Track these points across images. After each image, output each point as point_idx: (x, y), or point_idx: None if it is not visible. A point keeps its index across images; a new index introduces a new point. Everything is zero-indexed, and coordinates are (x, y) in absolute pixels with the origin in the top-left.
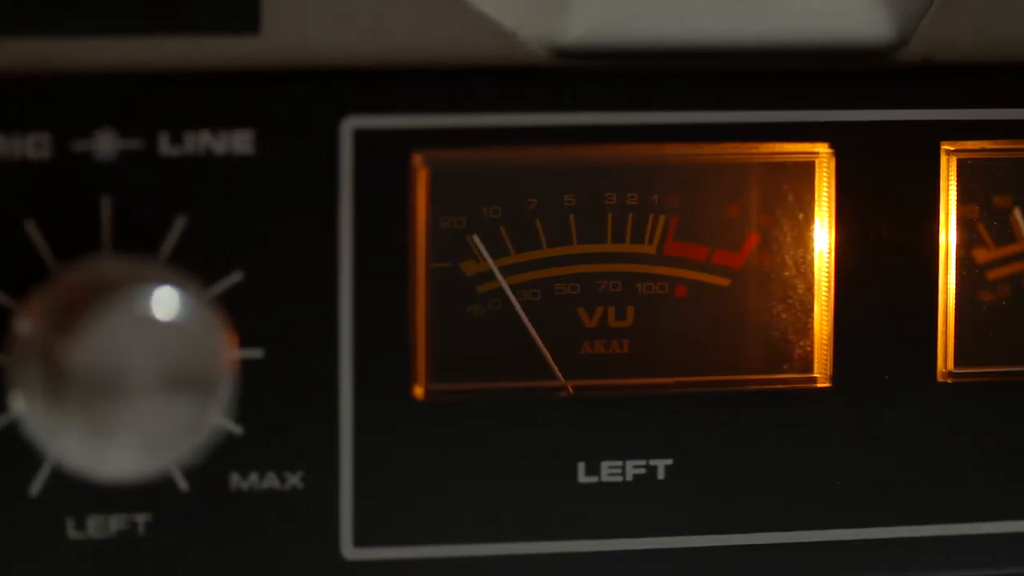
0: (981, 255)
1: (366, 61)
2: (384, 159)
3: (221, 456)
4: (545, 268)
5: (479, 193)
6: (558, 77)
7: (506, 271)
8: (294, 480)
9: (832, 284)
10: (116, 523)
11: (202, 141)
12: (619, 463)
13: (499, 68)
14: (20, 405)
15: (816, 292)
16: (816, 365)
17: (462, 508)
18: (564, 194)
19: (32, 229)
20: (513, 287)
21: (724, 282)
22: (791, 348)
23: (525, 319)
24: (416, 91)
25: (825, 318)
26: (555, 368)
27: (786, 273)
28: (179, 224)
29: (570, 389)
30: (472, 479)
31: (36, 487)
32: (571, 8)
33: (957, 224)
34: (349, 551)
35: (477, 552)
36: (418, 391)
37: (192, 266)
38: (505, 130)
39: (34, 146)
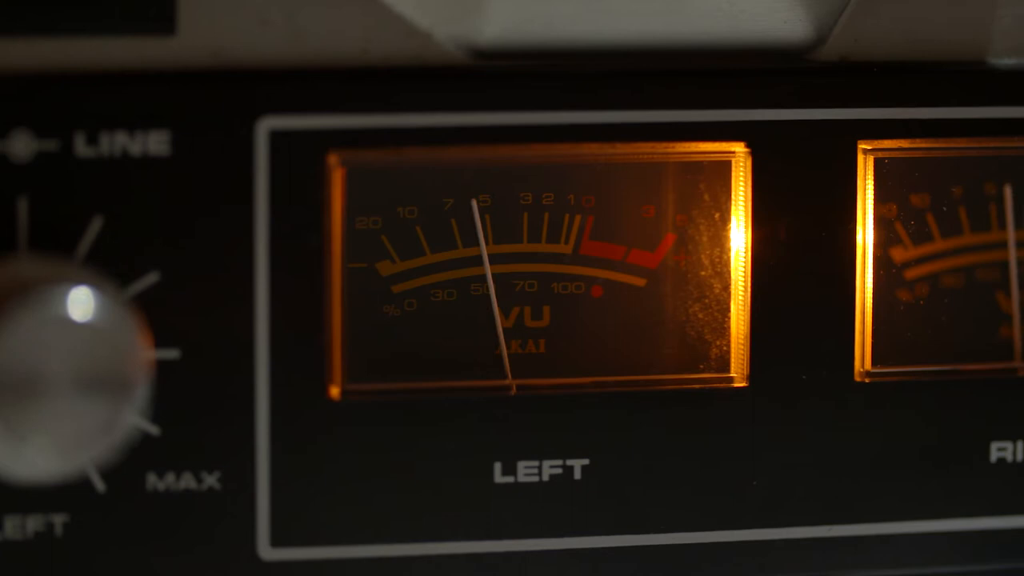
0: (899, 254)
1: (282, 62)
2: (300, 159)
3: (138, 457)
4: (460, 268)
5: (394, 193)
6: (473, 77)
7: (421, 271)
8: (211, 481)
9: (749, 284)
10: (33, 524)
11: (118, 142)
12: (535, 463)
13: (415, 68)
14: None
15: (733, 292)
16: (733, 365)
17: (378, 508)
18: (480, 194)
19: None
20: (428, 287)
21: (640, 282)
22: (708, 348)
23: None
24: (331, 92)
25: (742, 318)
26: (477, 368)
27: (702, 273)
28: (95, 225)
29: (495, 389)
30: (388, 479)
31: None
32: (487, 8)
33: (874, 223)
34: (266, 551)
35: (394, 552)
36: (334, 391)
37: (108, 267)
38: (421, 130)
39: None
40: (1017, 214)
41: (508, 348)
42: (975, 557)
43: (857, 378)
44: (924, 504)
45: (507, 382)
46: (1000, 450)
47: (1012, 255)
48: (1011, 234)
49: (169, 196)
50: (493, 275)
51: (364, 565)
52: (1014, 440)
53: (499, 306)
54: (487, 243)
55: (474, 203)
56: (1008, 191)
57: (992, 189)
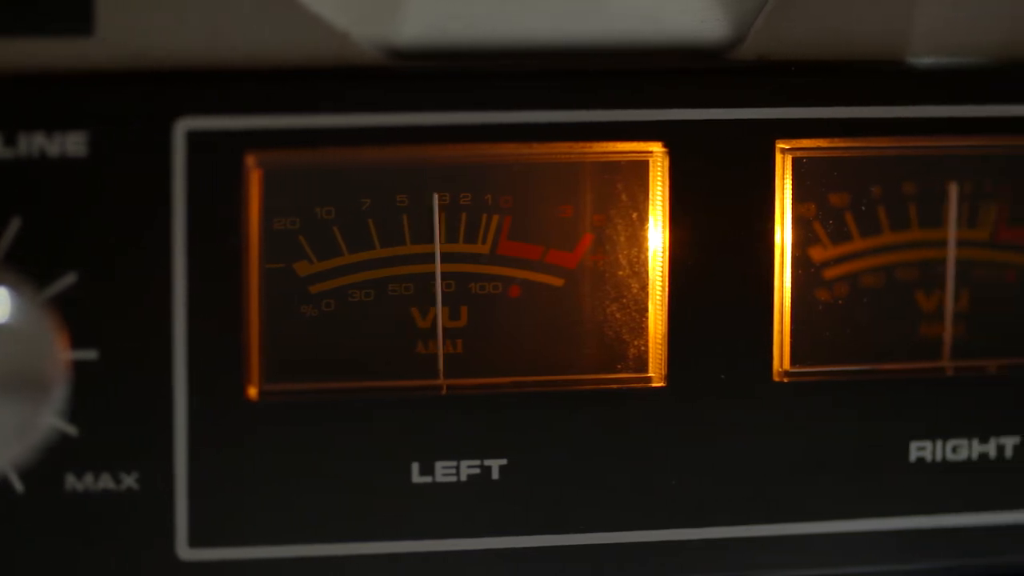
0: (817, 254)
1: (199, 63)
2: (217, 160)
3: (56, 457)
4: (378, 268)
5: (312, 194)
6: (391, 77)
7: (339, 272)
8: (129, 481)
9: (666, 283)
10: None
11: (36, 143)
12: (453, 463)
13: (332, 69)
14: None
15: (650, 291)
16: (651, 365)
17: (296, 509)
18: (397, 194)
19: None
20: (346, 287)
21: (558, 282)
22: (626, 348)
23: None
24: (249, 92)
25: (659, 317)
26: (394, 368)
27: (620, 273)
28: (13, 226)
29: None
30: (306, 479)
31: None
32: (404, 9)
33: (793, 223)
34: (184, 551)
35: (312, 552)
36: (252, 392)
37: (26, 268)
38: (338, 131)
39: None
40: (931, 213)
41: (426, 348)
42: (894, 556)
43: (775, 378)
44: (843, 504)
45: (425, 382)
46: (919, 449)
47: (951, 254)
48: (952, 233)
49: (87, 197)
50: (413, 275)
51: (282, 565)
52: (933, 439)
53: (417, 307)
54: (407, 243)
55: (434, 199)
56: (953, 188)
57: (911, 188)
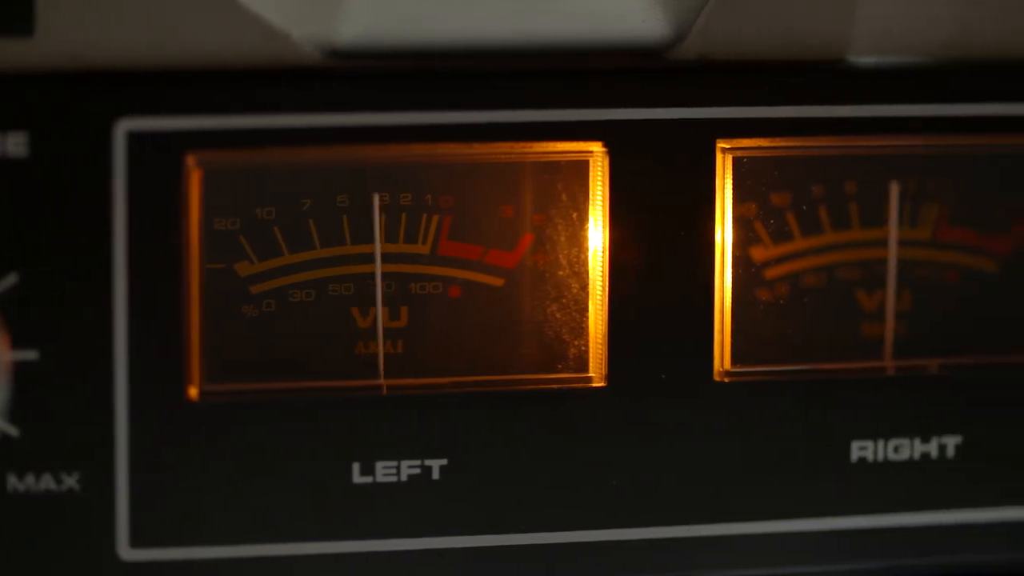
0: (758, 253)
1: (140, 64)
2: (157, 161)
3: None
4: (318, 268)
5: (253, 194)
6: (331, 78)
7: (280, 272)
8: (71, 481)
9: (607, 283)
10: None
11: None
12: (394, 463)
13: (272, 69)
14: None
15: (591, 291)
16: (591, 365)
17: (238, 509)
18: (337, 194)
19: None
20: (287, 288)
21: (498, 282)
22: (566, 348)
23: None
24: (189, 93)
25: (600, 317)
26: (335, 368)
27: (560, 272)
28: None
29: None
30: (247, 480)
31: None
32: (344, 9)
33: (734, 222)
34: (126, 552)
35: (253, 553)
36: (192, 392)
37: None
38: (279, 131)
39: None
40: (872, 213)
41: (366, 348)
42: (836, 557)
43: (716, 378)
44: (785, 504)
45: (367, 382)
46: (861, 449)
47: (892, 254)
48: (893, 233)
49: (27, 197)
50: (353, 275)
51: (223, 565)
52: (874, 439)
53: (358, 307)
54: (347, 243)
55: (374, 199)
56: (895, 188)
57: (852, 188)
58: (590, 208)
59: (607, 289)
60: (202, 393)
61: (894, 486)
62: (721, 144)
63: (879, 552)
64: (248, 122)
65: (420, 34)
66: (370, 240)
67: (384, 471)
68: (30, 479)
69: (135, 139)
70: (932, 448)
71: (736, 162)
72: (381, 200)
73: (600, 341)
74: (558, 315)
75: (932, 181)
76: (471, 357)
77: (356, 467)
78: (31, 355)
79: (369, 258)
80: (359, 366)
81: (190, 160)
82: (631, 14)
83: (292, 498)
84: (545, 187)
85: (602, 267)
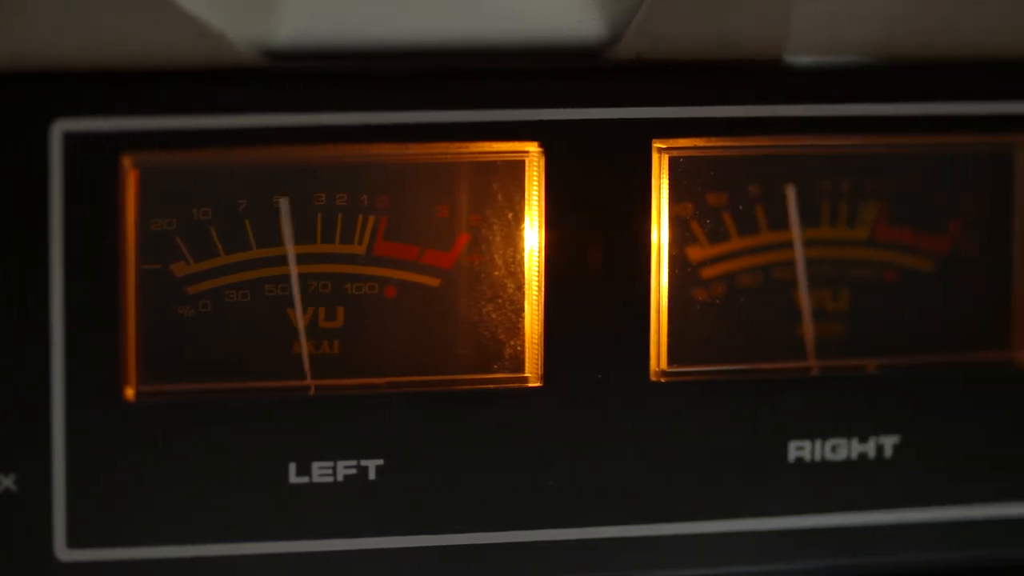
0: (695, 253)
1: (76, 64)
2: (93, 161)
3: None
4: (255, 269)
5: (189, 194)
6: (267, 78)
7: (216, 272)
8: (7, 482)
9: (543, 283)
10: None
11: None
12: (330, 464)
13: (208, 70)
14: None
15: (526, 291)
16: (527, 365)
17: (175, 509)
18: (273, 194)
19: None
20: (223, 288)
21: (434, 282)
22: (502, 348)
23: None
24: (125, 94)
25: (536, 317)
26: (271, 368)
27: (496, 273)
28: None
29: (287, 389)
30: (184, 480)
31: None
32: (280, 9)
33: (670, 222)
34: (63, 552)
35: (191, 553)
36: (129, 392)
37: None
38: (215, 131)
39: None
40: (809, 213)
41: (302, 349)
42: (774, 557)
43: (652, 378)
44: (722, 504)
45: (302, 383)
46: (798, 449)
47: (799, 255)
48: (797, 234)
49: None
50: (289, 276)
51: (161, 566)
52: (812, 439)
53: (292, 307)
54: (286, 243)
55: (285, 202)
56: (791, 190)
57: (789, 188)
58: (526, 208)
59: (543, 289)
60: (138, 394)
61: (832, 486)
62: (657, 144)
63: (817, 552)
64: (184, 123)
65: (356, 34)
66: (306, 240)
67: (320, 471)
68: None
69: (71, 140)
70: (870, 448)
71: (672, 162)
72: (317, 200)
73: (536, 341)
74: (494, 315)
75: (870, 181)
76: (407, 357)
77: (292, 467)
78: None
79: (305, 258)
80: (295, 366)
81: (126, 161)
82: (567, 14)
83: (229, 498)
84: (481, 187)
85: (538, 267)
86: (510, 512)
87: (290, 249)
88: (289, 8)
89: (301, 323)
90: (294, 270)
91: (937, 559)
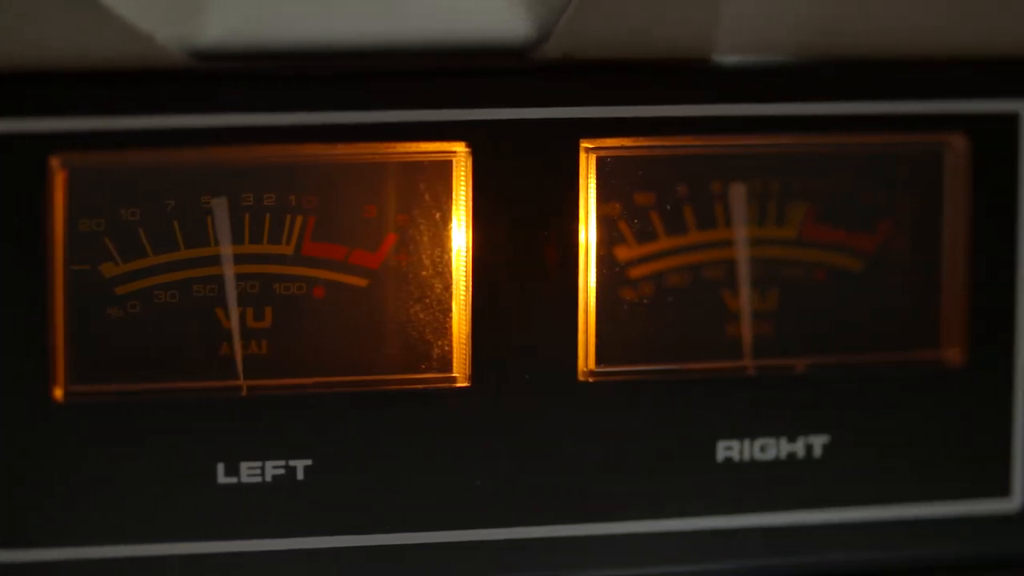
0: (623, 253)
1: (2, 65)
2: (21, 162)
3: None
4: (183, 269)
5: (117, 195)
6: (195, 79)
7: (144, 273)
8: None
9: (470, 284)
10: None
11: None
12: (258, 464)
13: (136, 70)
14: None
15: (454, 292)
16: (455, 365)
17: (103, 510)
18: (202, 195)
19: None
20: (152, 288)
21: (362, 282)
22: (429, 348)
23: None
24: (53, 94)
25: (463, 318)
26: (200, 368)
27: (424, 273)
28: None
29: (216, 389)
30: (112, 480)
31: None
32: (208, 10)
33: (598, 222)
34: None
35: (120, 554)
36: (58, 393)
37: None
38: (143, 132)
39: None
40: (743, 212)
41: (231, 349)
42: (703, 556)
43: (580, 377)
44: (651, 503)
45: (230, 383)
46: (727, 449)
47: (743, 254)
48: (741, 233)
49: None
50: (217, 276)
51: (89, 566)
52: (740, 439)
53: (221, 308)
54: (214, 244)
55: (220, 203)
56: (736, 189)
57: (718, 187)
58: (453, 208)
59: (471, 289)
60: (67, 394)
61: (760, 486)
62: (585, 144)
63: (746, 552)
64: (112, 123)
65: (283, 35)
66: (236, 241)
67: (249, 472)
68: None
69: None
70: (799, 448)
71: (600, 162)
72: (244, 201)
73: (464, 341)
74: (421, 315)
75: (798, 180)
76: (335, 357)
77: (221, 468)
78: None
79: (234, 259)
80: (224, 367)
81: (54, 162)
82: (495, 14)
83: (158, 499)
84: (408, 187)
85: (465, 267)
86: (438, 512)
87: (225, 249)
88: (217, 9)
89: (236, 323)
90: (229, 270)
91: (866, 558)
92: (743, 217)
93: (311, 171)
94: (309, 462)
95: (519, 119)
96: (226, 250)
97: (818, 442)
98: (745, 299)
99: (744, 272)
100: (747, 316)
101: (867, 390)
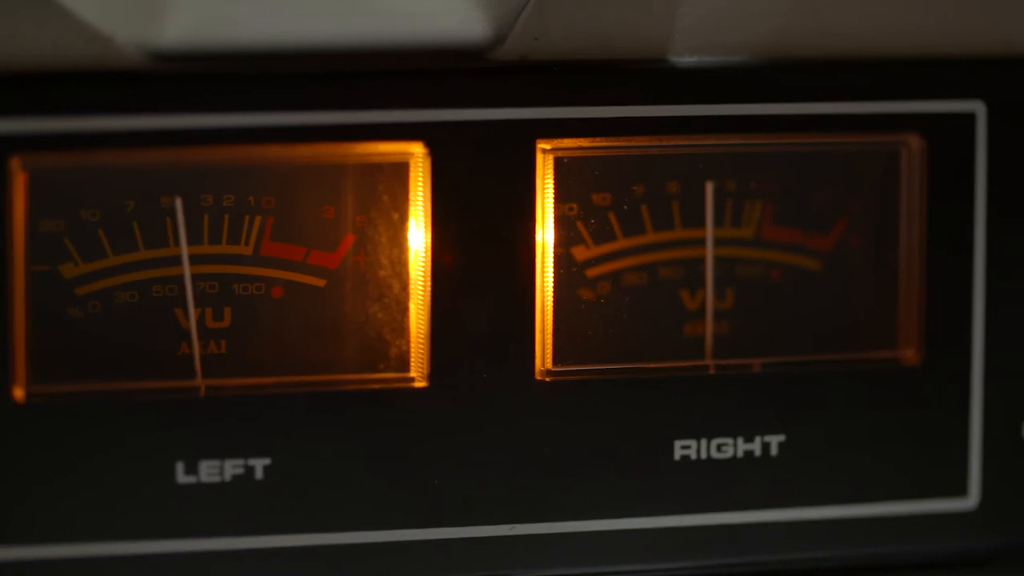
0: (580, 253)
1: None
2: None
3: None
4: (143, 270)
5: (77, 196)
6: (154, 80)
7: (105, 273)
8: None
9: (428, 284)
10: None
11: None
12: (217, 463)
13: (96, 72)
14: None
15: (412, 292)
16: (413, 365)
17: (64, 509)
18: (161, 196)
19: None
20: (111, 289)
21: (320, 282)
22: (388, 348)
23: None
24: (13, 96)
25: (421, 317)
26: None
27: (382, 273)
28: None
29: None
30: (72, 480)
31: None
32: (166, 11)
33: (555, 222)
34: None
35: (78, 553)
36: (18, 393)
37: None
38: (103, 133)
39: None
40: (695, 212)
41: (190, 349)
42: (661, 555)
43: (538, 376)
44: (608, 502)
45: (189, 383)
46: (684, 448)
47: (714, 253)
48: (715, 231)
49: None
50: (177, 276)
51: (48, 566)
52: (697, 438)
53: (181, 308)
54: (173, 244)
55: (182, 204)
56: (717, 187)
57: (674, 187)
58: (411, 209)
59: (429, 289)
60: (28, 394)
61: (717, 485)
62: (542, 145)
63: (703, 550)
64: (73, 125)
65: (242, 36)
66: (194, 241)
67: (208, 471)
68: None
69: None
70: (755, 447)
71: (557, 162)
72: (204, 201)
73: (422, 341)
74: (380, 315)
75: (754, 180)
76: (294, 357)
77: (180, 467)
78: None
79: (192, 259)
80: (183, 366)
81: (14, 163)
82: (452, 15)
83: (117, 498)
84: (367, 188)
85: (424, 267)
86: (397, 511)
87: (184, 250)
88: (176, 10)
89: (194, 323)
90: (188, 271)
91: (822, 557)
92: (703, 217)
93: (270, 172)
94: (268, 461)
95: (477, 120)
96: (185, 251)
97: (775, 441)
98: (710, 298)
99: (709, 271)
100: (710, 316)
101: (824, 389)
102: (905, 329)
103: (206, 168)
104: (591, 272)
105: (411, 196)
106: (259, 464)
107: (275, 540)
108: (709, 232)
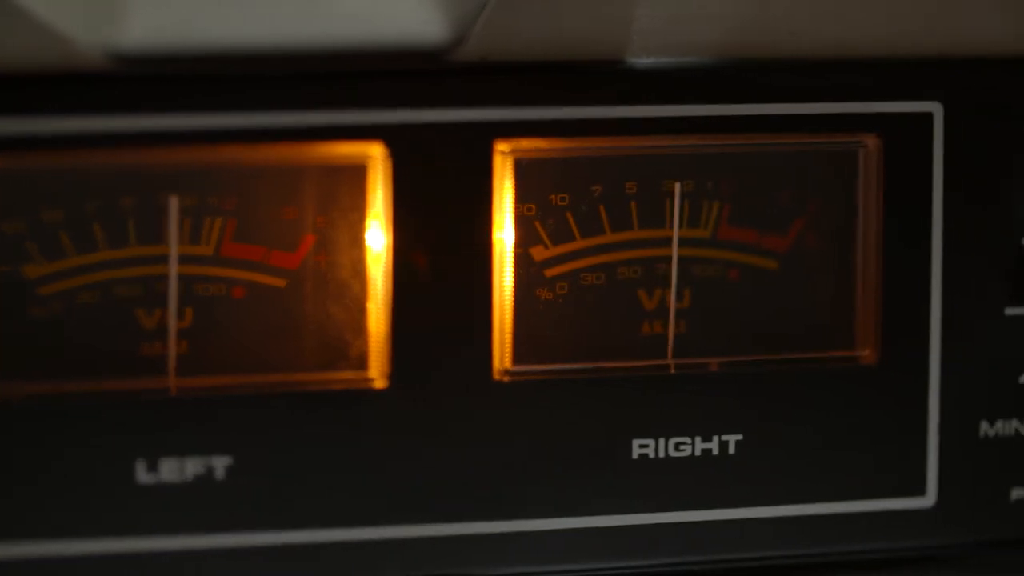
0: (539, 253)
1: None
2: None
3: None
4: (104, 270)
5: (39, 196)
6: (115, 81)
7: (67, 274)
8: None
9: (389, 284)
10: None
11: None
12: (178, 461)
13: (58, 74)
14: None
15: (371, 292)
16: (372, 364)
17: (22, 507)
18: (123, 197)
19: None
20: (75, 289)
21: (281, 283)
22: (347, 348)
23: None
24: None
25: (381, 318)
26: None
27: (342, 273)
28: None
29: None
30: (33, 479)
31: None
32: (128, 13)
33: (514, 223)
34: None
35: (37, 551)
36: None
37: None
38: (65, 135)
39: None
40: (653, 212)
41: (151, 348)
42: (620, 553)
43: (496, 377)
44: (567, 501)
45: (150, 382)
46: (642, 447)
47: (673, 253)
48: (673, 232)
49: None
50: (139, 277)
51: (7, 564)
52: (656, 437)
53: (143, 307)
54: (135, 245)
55: (144, 204)
56: (674, 188)
57: (632, 188)
58: (371, 209)
59: (389, 289)
60: None
61: (675, 484)
62: (500, 146)
63: (661, 548)
64: (35, 126)
65: (202, 38)
66: (155, 242)
67: (169, 470)
68: None
69: None
70: (713, 446)
71: (516, 163)
72: (163, 202)
73: (382, 341)
74: (340, 315)
75: (712, 181)
76: (255, 357)
77: (141, 466)
78: None
79: (153, 259)
80: (145, 366)
81: None
82: (411, 16)
83: (78, 497)
84: (327, 189)
85: (383, 267)
86: (356, 509)
87: (146, 250)
88: (137, 12)
89: (156, 324)
90: (150, 271)
91: (781, 556)
92: (661, 217)
93: (231, 173)
94: (229, 460)
95: (436, 121)
96: (147, 251)
97: (732, 440)
98: (673, 298)
99: (674, 271)
100: (672, 315)
101: (781, 389)
102: (862, 329)
103: (167, 169)
104: (550, 272)
105: (371, 197)
106: (220, 463)
107: (236, 539)
108: (675, 232)
